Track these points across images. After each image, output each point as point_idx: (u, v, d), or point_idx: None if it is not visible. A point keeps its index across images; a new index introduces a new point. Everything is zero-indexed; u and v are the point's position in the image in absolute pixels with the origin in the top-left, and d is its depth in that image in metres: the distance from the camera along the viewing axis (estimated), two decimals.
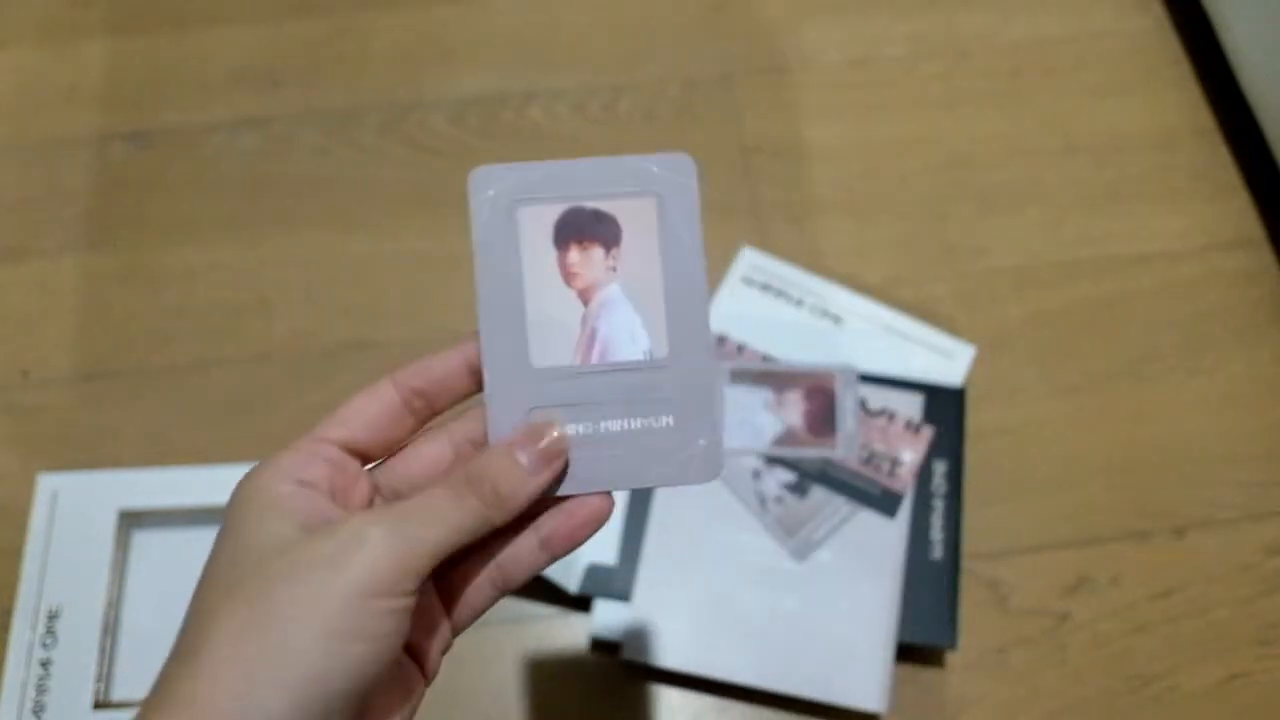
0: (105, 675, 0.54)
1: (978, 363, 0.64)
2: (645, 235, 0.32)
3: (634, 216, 0.32)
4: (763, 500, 0.58)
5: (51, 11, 0.75)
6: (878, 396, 0.61)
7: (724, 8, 0.76)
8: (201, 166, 0.70)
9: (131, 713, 0.53)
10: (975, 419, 0.62)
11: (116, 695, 0.54)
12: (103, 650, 0.54)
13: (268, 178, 0.70)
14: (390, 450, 0.32)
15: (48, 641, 0.54)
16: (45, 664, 0.53)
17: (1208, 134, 0.72)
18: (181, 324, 0.66)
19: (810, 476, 0.59)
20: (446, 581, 0.31)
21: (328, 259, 0.68)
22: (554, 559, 0.31)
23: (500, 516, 0.29)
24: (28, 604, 0.54)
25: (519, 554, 0.31)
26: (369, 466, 0.32)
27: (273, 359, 0.65)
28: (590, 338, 0.31)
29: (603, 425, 0.31)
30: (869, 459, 0.59)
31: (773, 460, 0.59)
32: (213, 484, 0.56)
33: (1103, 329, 0.66)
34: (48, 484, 0.57)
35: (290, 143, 0.71)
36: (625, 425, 0.31)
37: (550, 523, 0.31)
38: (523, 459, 0.29)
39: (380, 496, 0.32)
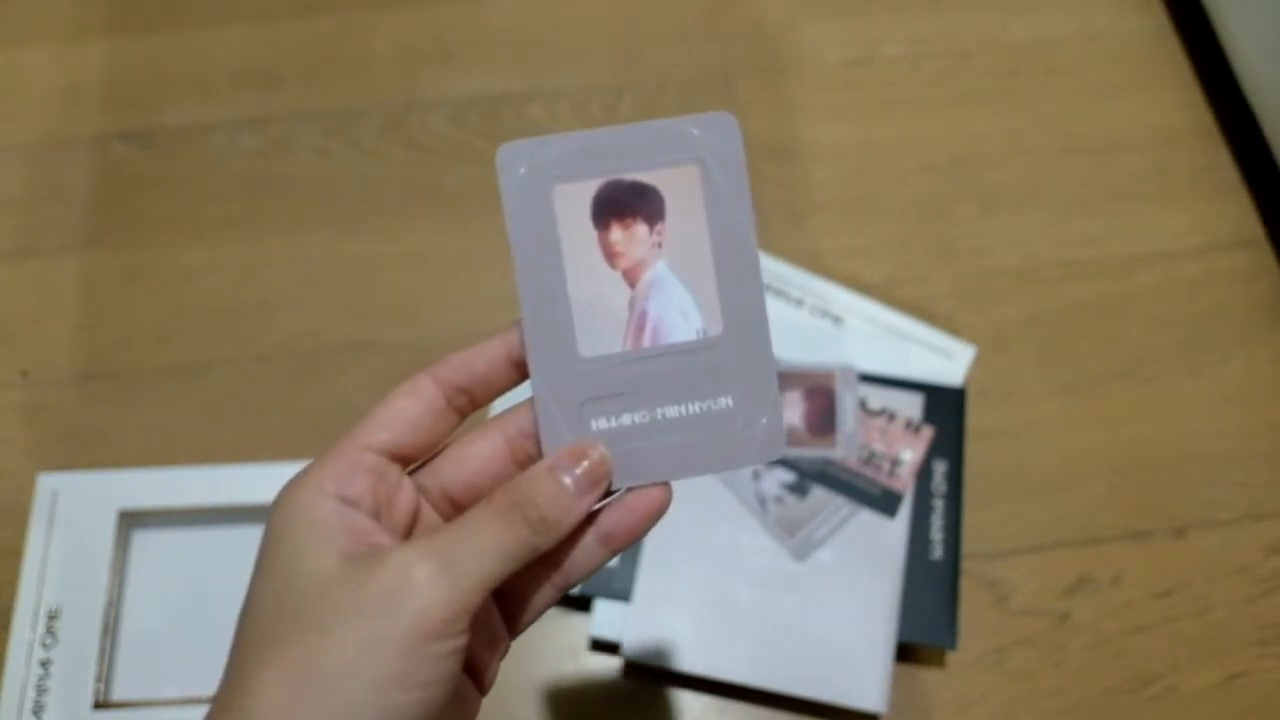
0: (105, 675, 0.54)
1: (978, 363, 0.64)
2: (690, 206, 0.30)
3: (677, 186, 0.30)
4: (763, 500, 0.58)
5: (52, 11, 0.75)
6: (878, 396, 0.61)
7: (724, 8, 0.76)
8: (201, 166, 0.70)
9: (132, 712, 0.53)
10: (975, 419, 0.62)
11: (116, 695, 0.54)
12: (103, 650, 0.54)
13: (268, 178, 0.70)
14: (432, 450, 0.31)
15: (48, 641, 0.54)
16: (45, 664, 0.53)
17: (1208, 134, 0.72)
18: (181, 324, 0.66)
19: (810, 476, 0.59)
20: (505, 589, 0.30)
21: (328, 259, 0.68)
22: (614, 554, 0.30)
23: (548, 542, 0.28)
24: (28, 604, 0.54)
25: (578, 553, 0.30)
26: (411, 469, 0.30)
27: (273, 359, 0.65)
28: (640, 321, 0.30)
29: (659, 412, 0.30)
30: (869, 459, 0.59)
31: (773, 460, 0.59)
32: (213, 484, 0.56)
33: (1103, 329, 0.66)
34: (48, 484, 0.57)
35: (290, 143, 0.71)
36: (684, 410, 0.30)
37: (610, 519, 0.30)
38: (567, 481, 0.28)
39: (428, 501, 0.30)
